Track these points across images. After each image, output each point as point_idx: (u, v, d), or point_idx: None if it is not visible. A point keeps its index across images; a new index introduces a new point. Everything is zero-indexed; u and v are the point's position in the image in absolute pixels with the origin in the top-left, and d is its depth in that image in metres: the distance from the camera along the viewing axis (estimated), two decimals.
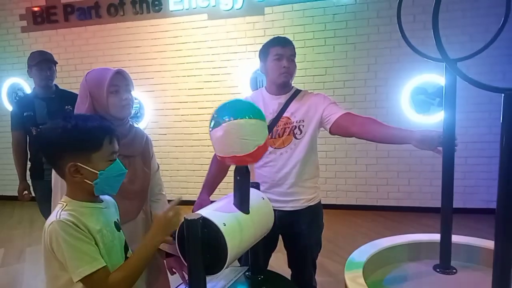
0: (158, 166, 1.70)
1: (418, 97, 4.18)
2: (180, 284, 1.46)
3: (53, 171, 1.41)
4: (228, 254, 1.05)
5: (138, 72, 4.89)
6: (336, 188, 4.56)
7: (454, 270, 1.48)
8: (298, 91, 1.88)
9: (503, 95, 1.00)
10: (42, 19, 5.13)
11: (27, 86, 5.36)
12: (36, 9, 5.13)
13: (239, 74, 4.64)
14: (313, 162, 1.89)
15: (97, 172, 1.08)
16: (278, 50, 1.79)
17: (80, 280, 1.02)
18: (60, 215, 1.05)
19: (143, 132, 1.64)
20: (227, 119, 1.04)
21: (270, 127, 1.78)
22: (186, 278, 1.46)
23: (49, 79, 2.63)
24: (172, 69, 4.85)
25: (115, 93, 1.44)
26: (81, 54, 5.08)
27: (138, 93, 4.98)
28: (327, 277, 2.93)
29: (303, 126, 1.80)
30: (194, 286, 1.09)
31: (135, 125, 1.62)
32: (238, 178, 1.19)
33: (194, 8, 4.64)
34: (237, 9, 4.53)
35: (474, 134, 4.05)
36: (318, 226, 1.95)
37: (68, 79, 5.08)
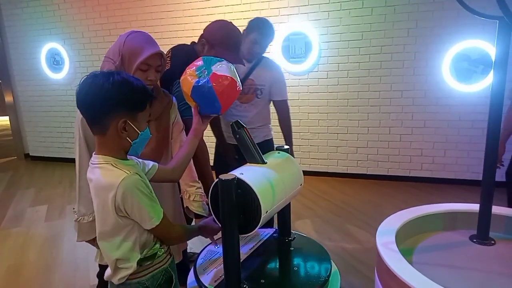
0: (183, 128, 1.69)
1: (460, 64, 3.95)
2: (209, 244, 1.50)
3: (78, 129, 1.45)
4: (262, 213, 1.07)
5: (170, 38, 4.87)
6: (367, 158, 4.47)
7: (493, 241, 1.44)
8: (262, 58, 2.37)
9: None
10: None
11: (64, 51, 5.49)
12: None
13: None
14: (267, 111, 2.48)
15: (139, 132, 1.10)
16: (257, 37, 2.24)
17: (156, 226, 1.10)
18: (129, 171, 1.06)
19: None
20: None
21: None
22: (215, 238, 1.50)
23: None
24: None
25: (142, 72, 1.42)
26: (115, 19, 5.11)
27: None
28: (355, 244, 2.94)
29: (264, 89, 2.36)
30: (228, 246, 1.12)
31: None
32: (237, 136, 1.23)
33: None
34: None
35: None
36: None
37: (103, 44, 5.17)
